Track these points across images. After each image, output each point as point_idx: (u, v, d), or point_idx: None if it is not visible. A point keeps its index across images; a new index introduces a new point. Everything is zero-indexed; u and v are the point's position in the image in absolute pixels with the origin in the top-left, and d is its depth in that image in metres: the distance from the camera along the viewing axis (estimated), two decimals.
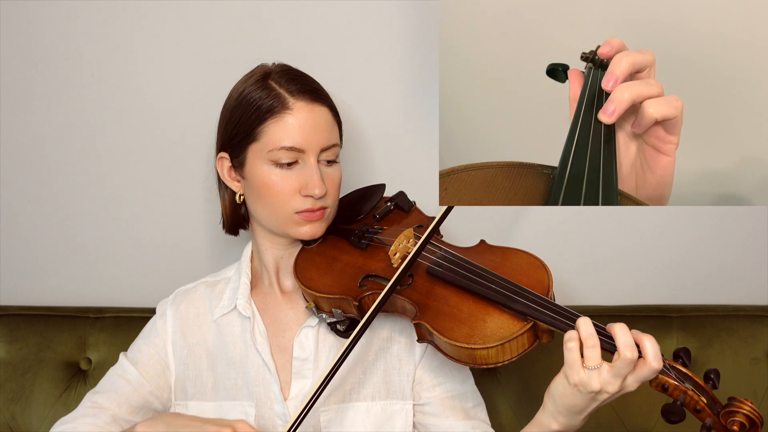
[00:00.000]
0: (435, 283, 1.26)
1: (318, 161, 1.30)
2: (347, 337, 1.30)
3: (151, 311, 1.65)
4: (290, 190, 1.29)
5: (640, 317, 1.67)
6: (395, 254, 1.29)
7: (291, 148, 1.28)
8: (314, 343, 1.33)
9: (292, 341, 1.35)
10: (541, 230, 1.72)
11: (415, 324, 1.22)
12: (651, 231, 1.72)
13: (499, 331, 1.16)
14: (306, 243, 1.39)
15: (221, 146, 1.37)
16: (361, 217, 1.42)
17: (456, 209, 1.57)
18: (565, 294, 1.73)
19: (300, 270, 1.35)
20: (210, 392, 1.36)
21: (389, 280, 1.24)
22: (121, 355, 1.42)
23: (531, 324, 1.16)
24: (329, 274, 1.32)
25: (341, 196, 1.42)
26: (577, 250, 1.73)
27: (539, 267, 1.27)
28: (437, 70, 1.63)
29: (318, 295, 1.29)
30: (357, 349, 1.33)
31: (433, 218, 1.41)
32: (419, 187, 1.65)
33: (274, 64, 1.36)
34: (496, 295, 1.19)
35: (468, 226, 1.65)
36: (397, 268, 1.26)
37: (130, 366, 1.38)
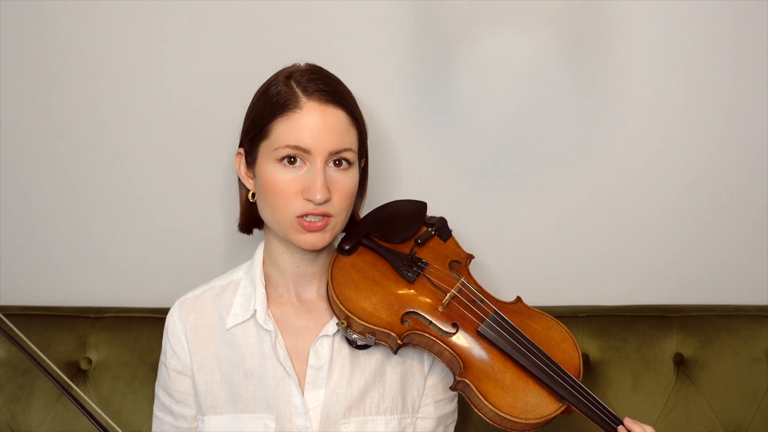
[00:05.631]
0: (479, 339, 1.26)
1: (326, 164, 1.24)
2: (362, 349, 1.31)
3: (152, 311, 1.66)
4: (293, 191, 1.23)
5: (640, 317, 1.68)
6: (447, 302, 1.28)
7: (296, 147, 1.22)
8: (329, 352, 1.31)
9: (306, 349, 1.32)
10: (542, 230, 1.72)
11: (458, 379, 1.23)
12: (651, 231, 1.72)
13: (539, 408, 1.21)
14: (340, 251, 1.33)
15: (240, 141, 1.32)
16: (402, 241, 1.36)
17: (456, 211, 1.58)
18: (565, 294, 1.74)
19: (337, 284, 1.29)
20: (223, 405, 1.32)
21: (431, 321, 1.26)
22: (157, 399, 1.39)
23: (566, 406, 1.22)
24: (369, 299, 1.28)
25: (386, 203, 1.40)
26: (577, 249, 1.73)
27: (572, 346, 1.29)
28: (438, 69, 1.64)
29: (357, 320, 1.26)
30: (378, 363, 1.32)
31: (470, 255, 1.39)
32: (419, 187, 1.66)
33: (306, 63, 1.32)
34: (541, 373, 1.23)
35: (469, 226, 1.65)
36: (444, 313, 1.27)
37: (170, 416, 1.37)
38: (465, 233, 1.60)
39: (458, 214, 1.57)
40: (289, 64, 1.32)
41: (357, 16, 1.61)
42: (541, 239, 1.73)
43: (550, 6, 1.61)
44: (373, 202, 1.43)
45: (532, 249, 1.73)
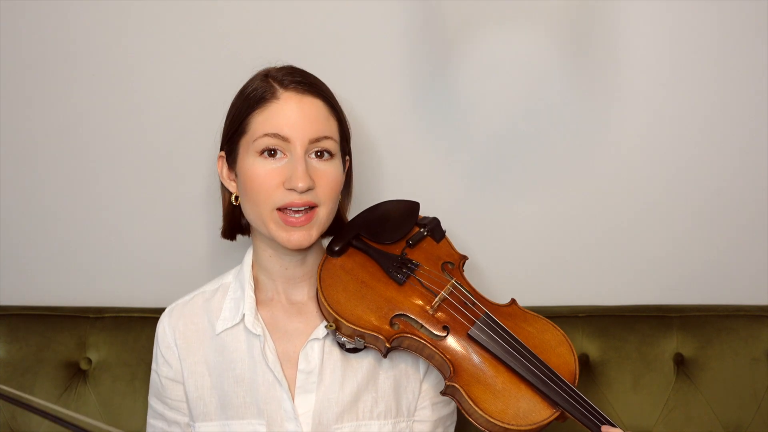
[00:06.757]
0: (470, 343, 1.24)
1: (308, 155, 1.23)
2: (352, 352, 1.29)
3: (151, 311, 1.66)
4: (274, 183, 1.22)
5: (640, 317, 1.68)
6: (437, 305, 1.27)
7: (274, 135, 1.21)
8: (320, 356, 1.29)
9: (297, 353, 1.30)
10: (541, 230, 1.72)
11: (448, 384, 1.22)
12: (651, 230, 1.72)
13: (531, 414, 1.19)
14: (329, 252, 1.33)
15: (221, 145, 1.32)
16: (393, 242, 1.35)
17: (454, 212, 1.58)
18: (565, 294, 1.73)
19: (326, 286, 1.28)
20: (214, 412, 1.31)
21: (422, 324, 1.25)
22: (150, 408, 1.38)
23: (560, 412, 1.20)
24: (359, 302, 1.26)
25: (377, 203, 1.40)
26: (577, 249, 1.73)
27: (569, 350, 1.27)
28: (438, 68, 1.64)
29: (346, 323, 1.24)
30: (370, 367, 1.31)
31: (464, 256, 1.38)
32: (418, 187, 1.65)
33: (283, 64, 1.32)
34: (533, 378, 1.20)
35: (468, 226, 1.65)
36: (434, 316, 1.26)
37: (162, 423, 1.36)
38: (463, 233, 1.60)
39: (456, 214, 1.57)
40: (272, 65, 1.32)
41: (356, 16, 1.61)
42: (540, 239, 1.72)
43: (551, 6, 1.60)
44: (371, 203, 1.43)
45: (531, 249, 1.73)
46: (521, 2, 1.60)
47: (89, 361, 1.65)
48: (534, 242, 1.73)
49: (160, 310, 1.50)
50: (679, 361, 1.64)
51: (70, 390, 1.62)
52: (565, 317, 1.66)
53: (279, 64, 1.32)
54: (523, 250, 1.73)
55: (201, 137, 1.65)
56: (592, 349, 1.65)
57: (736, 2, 1.60)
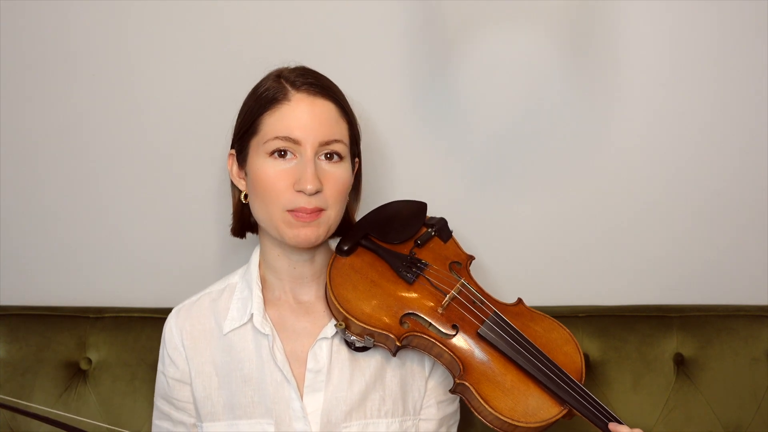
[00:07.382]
0: (479, 341, 1.25)
1: (318, 157, 1.24)
2: (360, 351, 1.30)
3: (152, 311, 1.66)
4: (284, 184, 1.22)
5: (640, 317, 1.68)
6: (447, 304, 1.27)
7: (285, 138, 1.22)
8: (328, 355, 1.30)
9: (305, 352, 1.31)
10: (542, 230, 1.72)
11: (458, 382, 1.22)
12: (651, 230, 1.72)
13: (540, 412, 1.20)
14: (338, 252, 1.33)
15: (232, 143, 1.33)
16: (402, 241, 1.36)
17: (456, 212, 1.58)
18: (565, 294, 1.74)
19: (335, 285, 1.28)
20: (221, 412, 1.31)
21: (431, 323, 1.26)
22: (156, 408, 1.38)
23: (568, 409, 1.21)
24: (368, 300, 1.27)
25: (385, 203, 1.40)
26: (577, 249, 1.73)
27: (575, 349, 1.28)
28: (438, 68, 1.64)
29: (356, 321, 1.25)
30: (377, 365, 1.32)
31: (470, 256, 1.39)
32: (419, 187, 1.65)
33: (296, 65, 1.32)
34: (542, 376, 1.22)
35: (470, 227, 1.65)
36: (443, 315, 1.26)
37: (168, 423, 1.36)
38: (465, 234, 1.60)
39: (458, 215, 1.57)
40: (285, 65, 1.32)
41: (357, 16, 1.61)
42: (541, 239, 1.72)
43: (551, 6, 1.61)
44: (373, 202, 1.43)
45: (532, 249, 1.73)
46: (521, 2, 1.60)
47: (89, 361, 1.65)
48: (534, 242, 1.73)
49: (161, 310, 1.51)
50: (679, 361, 1.64)
51: (70, 390, 1.62)
52: (565, 317, 1.66)
53: (292, 64, 1.32)
54: (523, 250, 1.73)
55: (201, 137, 1.65)
56: (592, 349, 1.65)
57: (736, 2, 1.60)
